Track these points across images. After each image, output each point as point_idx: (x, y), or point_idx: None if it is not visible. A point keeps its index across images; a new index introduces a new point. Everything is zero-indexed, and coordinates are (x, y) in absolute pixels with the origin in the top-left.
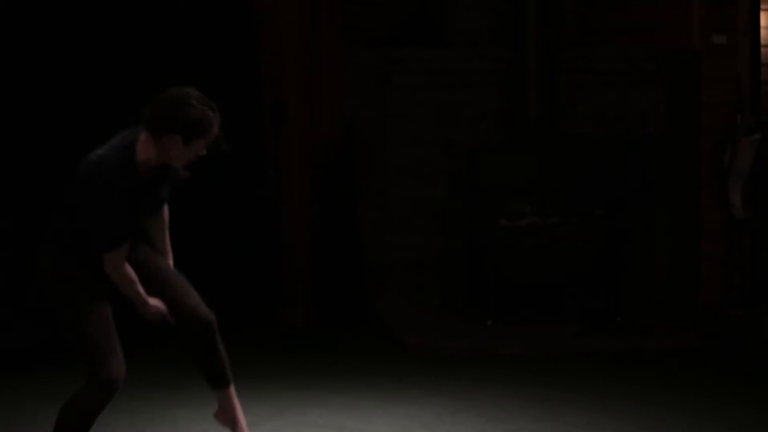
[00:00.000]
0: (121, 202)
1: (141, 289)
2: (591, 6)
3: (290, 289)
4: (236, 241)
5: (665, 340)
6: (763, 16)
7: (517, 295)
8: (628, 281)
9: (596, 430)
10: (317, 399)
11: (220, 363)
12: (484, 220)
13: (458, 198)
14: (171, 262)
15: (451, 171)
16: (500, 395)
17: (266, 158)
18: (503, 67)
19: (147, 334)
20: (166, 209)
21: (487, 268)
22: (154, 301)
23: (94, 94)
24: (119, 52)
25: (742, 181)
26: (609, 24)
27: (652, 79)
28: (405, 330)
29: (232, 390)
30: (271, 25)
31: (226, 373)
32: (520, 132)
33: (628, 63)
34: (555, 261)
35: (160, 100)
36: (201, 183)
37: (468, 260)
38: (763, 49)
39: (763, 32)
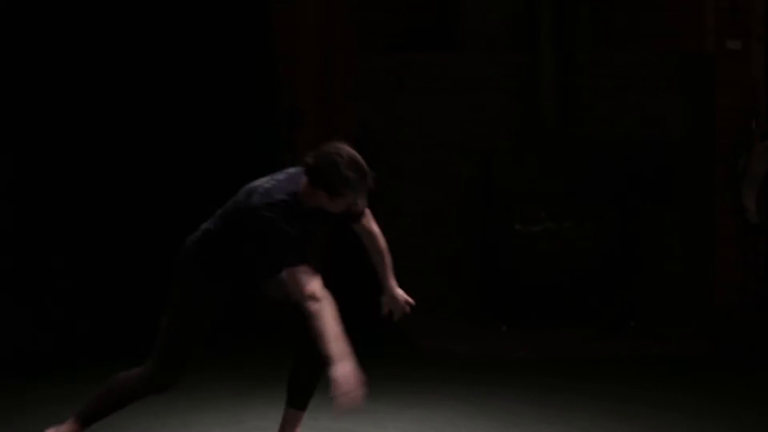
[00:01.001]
0: (288, 230)
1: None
2: (606, 11)
3: None
4: None
5: (678, 345)
6: None
7: (531, 299)
8: (642, 286)
9: None
10: (329, 403)
11: (311, 392)
12: (499, 225)
13: (472, 202)
14: (388, 263)
15: (466, 175)
16: (513, 400)
17: (281, 163)
18: (518, 72)
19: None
20: (367, 217)
21: (501, 273)
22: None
23: (109, 95)
24: (138, 57)
25: (756, 186)
26: (624, 29)
27: (667, 84)
28: (418, 334)
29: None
30: (286, 30)
31: (308, 400)
32: (535, 136)
33: (643, 68)
34: (569, 265)
35: (319, 153)
36: (216, 187)
37: (482, 264)
38: None
39: None
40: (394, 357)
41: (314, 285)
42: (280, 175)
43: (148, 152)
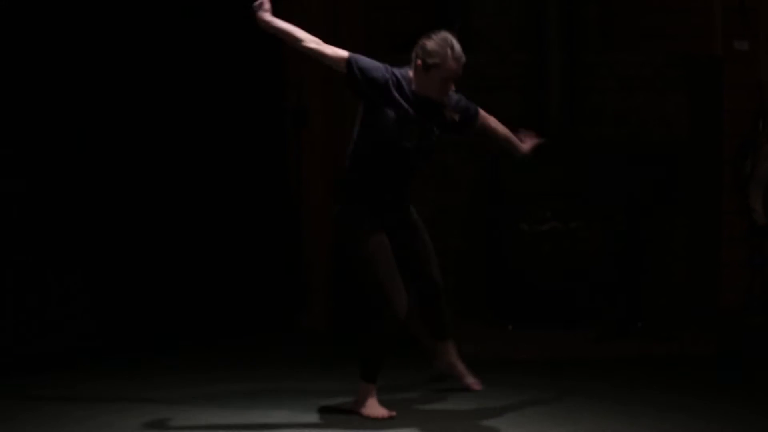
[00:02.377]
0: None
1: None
2: (614, 12)
3: (311, 294)
4: (257, 245)
5: (685, 346)
6: None
7: (538, 299)
8: (648, 286)
9: None
10: (337, 404)
11: (443, 319)
12: (506, 225)
13: (479, 202)
14: (515, 141)
15: (473, 175)
16: (520, 400)
17: (288, 163)
18: (526, 72)
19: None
20: (482, 115)
21: (508, 273)
22: None
23: (115, 95)
24: (145, 56)
25: (763, 187)
26: (631, 30)
27: (675, 85)
28: (424, 333)
29: (451, 343)
30: None
31: (448, 327)
32: (542, 136)
33: (651, 69)
34: (576, 266)
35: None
36: (222, 186)
37: (489, 265)
38: None
39: None
40: (401, 357)
41: None
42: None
43: (154, 151)
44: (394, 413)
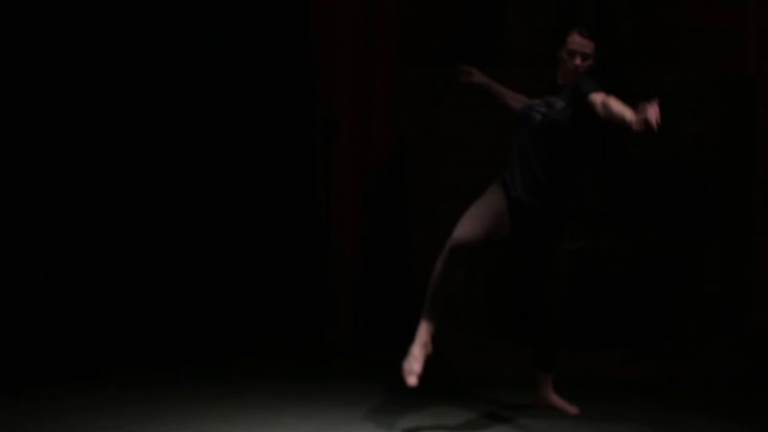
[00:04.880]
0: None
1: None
2: (647, 30)
3: (338, 307)
4: (285, 258)
5: (714, 367)
6: None
7: (566, 318)
8: (678, 306)
9: None
10: (363, 418)
11: (546, 349)
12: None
13: None
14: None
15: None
16: (546, 420)
17: (317, 175)
18: None
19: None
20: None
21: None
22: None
23: (148, 104)
24: (178, 68)
25: None
26: (665, 48)
27: (707, 104)
28: (452, 350)
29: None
30: (325, 42)
31: (550, 360)
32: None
33: (684, 87)
34: (605, 284)
35: None
36: (251, 198)
37: (516, 282)
38: None
39: None
40: (427, 373)
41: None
42: None
43: (183, 164)
44: (414, 382)
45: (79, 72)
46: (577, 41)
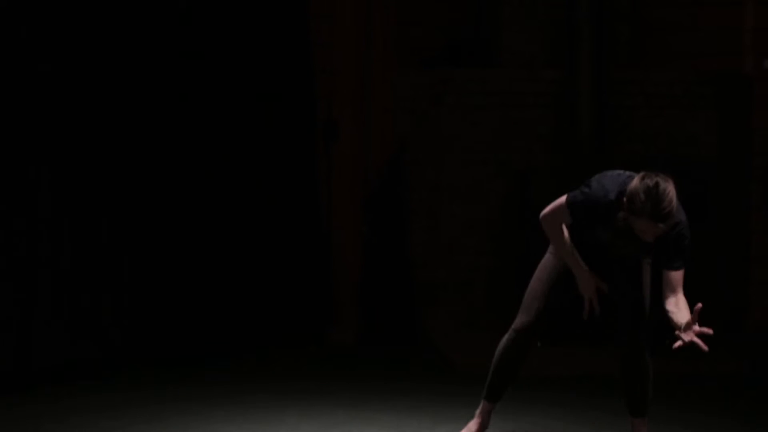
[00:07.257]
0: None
1: (579, 261)
2: (644, 30)
3: (339, 308)
4: (286, 259)
5: (714, 365)
6: None
7: (566, 316)
8: None
9: None
10: (365, 418)
11: (639, 397)
12: (535, 241)
13: (509, 219)
14: (685, 314)
15: (503, 192)
16: (548, 417)
17: (317, 176)
18: (556, 89)
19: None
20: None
21: None
22: (593, 284)
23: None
24: (177, 69)
25: None
26: (662, 48)
27: (704, 104)
28: (454, 350)
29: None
30: (325, 44)
31: (639, 405)
32: (572, 154)
33: (681, 87)
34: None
35: (645, 175)
36: (252, 199)
37: (518, 281)
38: None
39: None
40: (429, 372)
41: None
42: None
43: (184, 166)
44: None
45: (79, 73)
46: (645, 229)
